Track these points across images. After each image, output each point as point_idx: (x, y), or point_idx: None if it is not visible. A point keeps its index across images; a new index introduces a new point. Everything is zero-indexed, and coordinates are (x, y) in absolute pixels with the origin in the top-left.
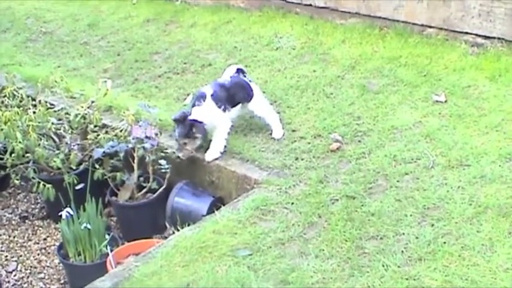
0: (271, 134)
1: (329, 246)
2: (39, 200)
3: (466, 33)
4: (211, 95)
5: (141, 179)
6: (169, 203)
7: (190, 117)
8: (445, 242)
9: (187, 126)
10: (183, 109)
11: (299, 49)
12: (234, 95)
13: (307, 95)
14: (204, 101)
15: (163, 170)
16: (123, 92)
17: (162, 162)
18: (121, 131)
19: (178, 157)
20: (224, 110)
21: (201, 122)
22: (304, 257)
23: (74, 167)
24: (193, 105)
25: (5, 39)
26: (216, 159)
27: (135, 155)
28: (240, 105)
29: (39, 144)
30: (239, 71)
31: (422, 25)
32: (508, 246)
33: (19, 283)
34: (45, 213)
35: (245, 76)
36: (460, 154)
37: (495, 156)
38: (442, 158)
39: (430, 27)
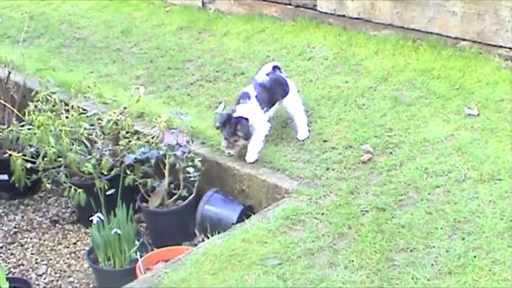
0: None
1: (359, 258)
2: (69, 204)
3: (500, 46)
4: (256, 96)
5: (172, 185)
6: (199, 210)
7: (235, 115)
8: (475, 256)
9: (234, 124)
10: (221, 113)
11: (331, 59)
12: (273, 94)
13: (339, 105)
14: (249, 99)
15: (192, 178)
16: (155, 99)
17: (190, 170)
18: (153, 137)
19: (230, 154)
20: (265, 112)
21: (246, 119)
22: (334, 267)
23: (105, 173)
24: (238, 103)
25: (39, 44)
26: (257, 160)
27: (166, 161)
28: (277, 103)
29: (71, 149)
30: (275, 68)
31: (455, 38)
32: None
33: (49, 286)
34: (75, 218)
35: (281, 73)
36: (492, 168)
37: None
38: (474, 172)
39: (464, 40)
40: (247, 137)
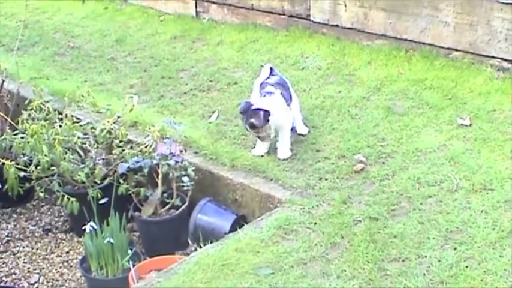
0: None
1: (351, 267)
2: (62, 213)
3: (492, 57)
4: (281, 93)
5: (165, 195)
6: (192, 219)
7: (253, 107)
8: (467, 266)
9: (249, 116)
10: (246, 101)
11: (325, 69)
12: (288, 90)
13: (332, 115)
14: (274, 94)
15: (185, 188)
16: (149, 108)
17: (185, 179)
18: (146, 146)
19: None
20: (290, 108)
21: (266, 111)
22: (326, 277)
23: (99, 182)
24: (262, 96)
25: (33, 52)
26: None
27: (159, 171)
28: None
29: (64, 158)
30: (271, 69)
31: (448, 48)
32: None
33: None
34: (68, 227)
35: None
36: (484, 178)
37: None
38: (466, 182)
39: (456, 50)
40: (261, 124)
